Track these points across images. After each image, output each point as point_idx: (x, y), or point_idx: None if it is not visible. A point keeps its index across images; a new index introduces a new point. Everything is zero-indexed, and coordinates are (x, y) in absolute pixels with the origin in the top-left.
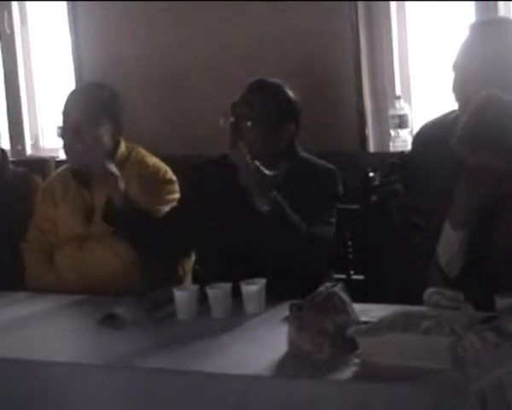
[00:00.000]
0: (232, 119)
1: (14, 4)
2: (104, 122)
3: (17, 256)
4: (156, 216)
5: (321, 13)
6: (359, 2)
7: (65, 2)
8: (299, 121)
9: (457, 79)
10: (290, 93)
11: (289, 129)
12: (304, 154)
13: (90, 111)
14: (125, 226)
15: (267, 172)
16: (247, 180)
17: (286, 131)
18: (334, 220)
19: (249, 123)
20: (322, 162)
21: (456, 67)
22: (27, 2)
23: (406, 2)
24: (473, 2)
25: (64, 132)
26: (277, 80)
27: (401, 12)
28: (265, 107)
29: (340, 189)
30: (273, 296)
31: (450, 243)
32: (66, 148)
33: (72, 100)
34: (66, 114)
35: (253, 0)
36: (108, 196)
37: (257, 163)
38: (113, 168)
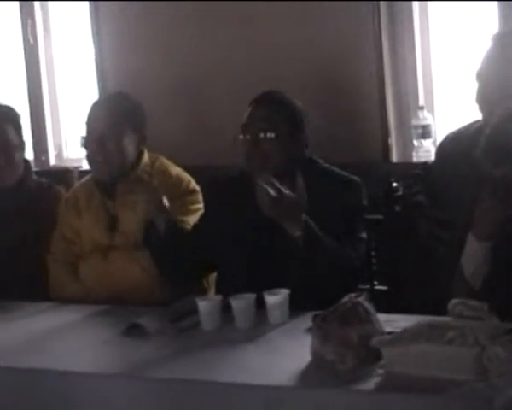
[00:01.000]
0: (245, 137)
1: (38, 13)
2: (128, 132)
3: (41, 266)
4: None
5: (343, 22)
6: (382, 15)
7: (88, 12)
8: (306, 129)
9: (481, 89)
10: (297, 102)
11: (303, 137)
12: (326, 165)
13: (113, 122)
14: (164, 251)
15: (293, 195)
16: (275, 212)
17: (301, 141)
18: (364, 235)
19: (265, 136)
20: (346, 174)
21: (479, 77)
22: (50, 12)
23: (429, 8)
24: (496, 3)
25: (87, 143)
26: (281, 91)
27: (423, 13)
28: (277, 118)
29: (366, 200)
30: (296, 307)
31: (474, 254)
32: (90, 158)
33: (96, 111)
34: (89, 124)
35: (272, 5)
36: (151, 220)
37: (283, 190)
38: (164, 200)
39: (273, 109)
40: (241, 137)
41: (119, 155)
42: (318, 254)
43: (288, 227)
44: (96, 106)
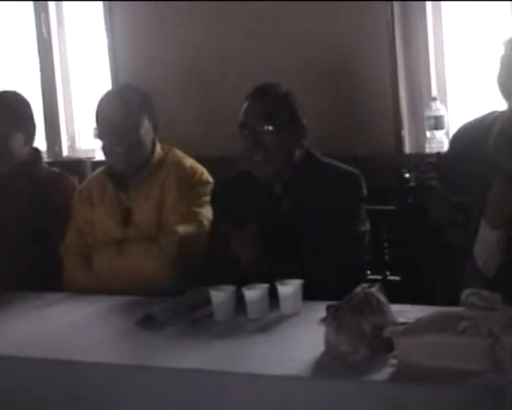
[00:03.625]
0: (243, 134)
1: (51, 6)
2: (144, 123)
3: (54, 256)
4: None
5: (356, 13)
6: (395, 2)
7: (101, 3)
8: (305, 117)
9: (502, 72)
10: (291, 93)
11: (301, 125)
12: (324, 159)
13: (130, 112)
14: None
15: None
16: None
17: (299, 128)
18: (365, 227)
19: (265, 130)
20: (344, 166)
21: (502, 61)
22: (64, 5)
23: (442, 2)
24: (509, 2)
25: (103, 134)
26: (276, 83)
27: (437, 12)
28: (275, 112)
29: (365, 192)
30: (309, 297)
31: (487, 242)
32: (107, 150)
33: (110, 101)
34: (104, 115)
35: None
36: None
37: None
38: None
39: (269, 103)
40: (240, 133)
41: (139, 146)
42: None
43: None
44: (108, 97)
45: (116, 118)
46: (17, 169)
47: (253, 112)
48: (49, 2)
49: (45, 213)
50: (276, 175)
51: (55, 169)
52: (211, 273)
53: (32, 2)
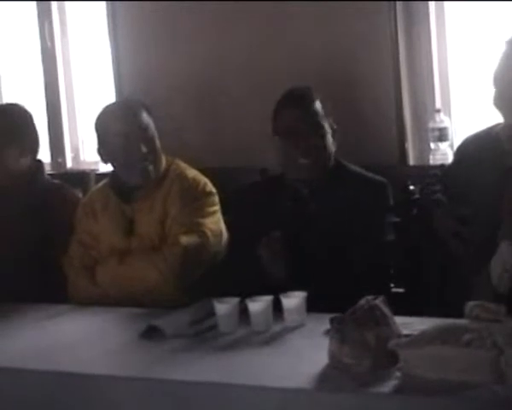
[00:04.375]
0: (280, 137)
1: (55, 16)
2: (156, 133)
3: (56, 268)
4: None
5: (359, 25)
6: (398, 8)
7: (104, 14)
8: (335, 121)
9: (497, 93)
10: (319, 96)
11: (334, 132)
12: (352, 167)
13: (147, 124)
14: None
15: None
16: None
17: (333, 135)
18: (389, 236)
19: (298, 134)
20: (371, 175)
21: (496, 82)
22: (68, 14)
23: (445, 8)
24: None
25: (120, 150)
26: (306, 87)
27: (441, 19)
28: (309, 116)
29: (391, 201)
30: (313, 309)
31: (503, 256)
32: (128, 166)
33: (120, 115)
34: (117, 130)
35: (288, 4)
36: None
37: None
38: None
39: (302, 107)
40: (278, 137)
41: (160, 156)
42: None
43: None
44: (116, 112)
45: (134, 130)
46: (16, 181)
47: (286, 116)
48: (53, 13)
49: (47, 224)
50: (307, 177)
51: (57, 181)
52: (233, 277)
53: (35, 13)
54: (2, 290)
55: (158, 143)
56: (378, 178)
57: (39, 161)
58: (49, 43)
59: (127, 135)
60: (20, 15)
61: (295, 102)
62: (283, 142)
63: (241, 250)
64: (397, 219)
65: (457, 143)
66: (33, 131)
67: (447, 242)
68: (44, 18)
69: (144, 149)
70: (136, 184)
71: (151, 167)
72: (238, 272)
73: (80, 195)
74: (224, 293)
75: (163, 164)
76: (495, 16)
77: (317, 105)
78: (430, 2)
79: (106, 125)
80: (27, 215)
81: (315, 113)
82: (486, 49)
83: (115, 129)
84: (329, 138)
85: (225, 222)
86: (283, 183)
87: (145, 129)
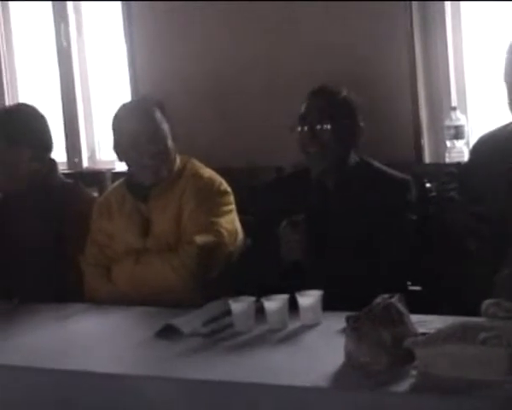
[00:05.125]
0: (301, 129)
1: (71, 16)
2: (168, 133)
3: (73, 267)
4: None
5: (374, 23)
6: (414, 8)
7: (120, 13)
8: (363, 121)
9: (510, 93)
10: (352, 94)
11: (358, 128)
12: (377, 165)
13: (158, 123)
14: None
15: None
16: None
17: (356, 131)
18: (408, 232)
19: (322, 127)
20: (395, 173)
21: (506, 80)
22: (83, 15)
23: (461, 8)
24: None
25: (130, 149)
26: (337, 84)
27: (456, 18)
28: (333, 110)
29: (413, 198)
30: (329, 307)
31: None
32: (136, 164)
33: (133, 114)
34: (129, 129)
35: (303, 4)
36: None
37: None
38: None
39: (329, 101)
40: (299, 128)
41: (168, 157)
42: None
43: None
44: (128, 110)
45: (145, 129)
46: (30, 182)
47: (313, 108)
48: (69, 13)
49: (61, 224)
50: (330, 171)
51: (70, 180)
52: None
53: (51, 13)
54: (21, 291)
55: (170, 142)
56: (402, 175)
57: (53, 161)
58: (65, 44)
59: (138, 134)
60: (36, 16)
61: (312, 95)
62: (298, 131)
63: (264, 244)
64: (414, 217)
65: (473, 141)
66: (45, 132)
67: (462, 239)
68: (60, 18)
69: (154, 148)
70: (146, 182)
71: (161, 167)
72: (260, 266)
73: (96, 194)
74: (239, 291)
75: (177, 163)
76: (511, 15)
77: (337, 101)
78: (446, 2)
79: (119, 123)
80: (42, 215)
81: (327, 106)
82: (502, 47)
83: (127, 127)
84: (344, 134)
85: (241, 221)
86: (307, 178)
87: (156, 127)
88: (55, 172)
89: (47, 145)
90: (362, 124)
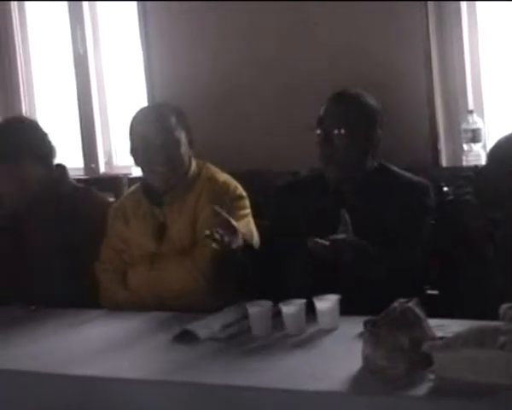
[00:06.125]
0: (319, 132)
1: (87, 24)
2: (183, 139)
3: (87, 272)
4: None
5: (391, 27)
6: (430, 16)
7: (137, 21)
8: (382, 127)
9: None
10: (372, 100)
11: (376, 135)
12: (395, 169)
13: (171, 129)
14: (239, 269)
15: (346, 238)
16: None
17: (373, 137)
18: (423, 237)
19: (338, 132)
20: (413, 176)
21: None
22: (100, 23)
23: (477, 8)
24: None
25: (143, 153)
26: (358, 90)
27: (472, 19)
28: (352, 115)
29: (432, 203)
30: (346, 312)
31: None
32: (148, 169)
33: (148, 119)
34: (143, 134)
35: (316, 5)
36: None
37: (334, 238)
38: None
39: (348, 107)
40: (318, 131)
41: (180, 163)
42: (371, 270)
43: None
44: (145, 114)
45: (156, 135)
46: (40, 191)
47: (331, 112)
48: (85, 19)
49: (75, 229)
50: (344, 176)
51: (82, 185)
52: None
53: (68, 21)
54: (38, 297)
55: (184, 148)
56: (421, 179)
57: (62, 167)
58: (81, 50)
59: (150, 139)
60: (52, 22)
61: (332, 100)
62: (316, 133)
63: (282, 247)
64: (432, 221)
65: (490, 144)
66: (42, 137)
67: (479, 244)
68: (76, 24)
69: (164, 155)
70: (157, 187)
71: (171, 173)
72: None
73: (112, 199)
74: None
75: (192, 167)
76: None
77: (354, 107)
78: (462, 2)
79: (134, 128)
80: (55, 221)
81: (344, 112)
82: None
83: (140, 133)
84: (360, 140)
85: (256, 225)
86: (324, 182)
87: (167, 134)
88: (65, 177)
89: (48, 151)
90: (380, 131)
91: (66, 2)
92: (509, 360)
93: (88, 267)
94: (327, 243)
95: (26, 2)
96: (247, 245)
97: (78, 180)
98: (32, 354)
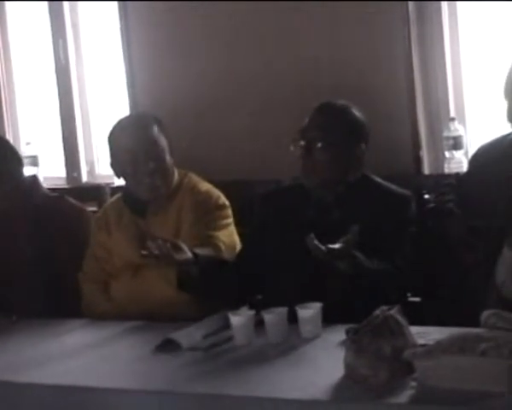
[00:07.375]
0: (302, 143)
1: (69, 33)
2: (167, 149)
3: (64, 281)
4: (225, 258)
5: (372, 35)
6: (411, 17)
7: (118, 29)
8: (367, 141)
9: (510, 107)
10: (357, 113)
11: (359, 149)
12: (378, 180)
13: (155, 139)
14: (202, 286)
15: (344, 247)
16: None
17: (356, 151)
18: (407, 249)
19: (320, 145)
20: (396, 188)
21: (507, 95)
22: (81, 31)
23: (458, 8)
24: None
25: (127, 164)
26: (344, 102)
27: (453, 20)
28: (335, 128)
29: (414, 214)
30: (328, 320)
31: (506, 263)
32: (134, 180)
33: (131, 130)
34: (126, 145)
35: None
36: (181, 268)
37: (332, 247)
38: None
39: (331, 119)
40: (301, 142)
41: (166, 172)
42: (363, 279)
43: (341, 267)
44: (126, 127)
45: (142, 145)
46: (10, 201)
47: (313, 124)
48: (67, 28)
49: (49, 238)
50: (325, 188)
51: (55, 194)
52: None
53: (49, 29)
54: (19, 307)
55: (168, 157)
56: (403, 190)
57: (34, 177)
58: (62, 59)
59: (135, 150)
60: (34, 31)
61: (314, 111)
62: (302, 146)
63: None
64: (412, 229)
65: (472, 151)
66: (4, 147)
67: (459, 251)
68: (58, 34)
69: (152, 165)
70: (144, 198)
71: (159, 182)
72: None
73: (95, 208)
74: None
75: (175, 177)
76: (509, 16)
77: (336, 118)
78: (443, 3)
79: (116, 139)
80: (29, 232)
81: (325, 123)
82: (500, 56)
83: (124, 144)
84: (341, 152)
85: (239, 234)
86: (306, 191)
87: (153, 144)
88: (37, 187)
89: (14, 163)
90: (363, 145)
91: (46, 3)
92: (491, 367)
93: (65, 276)
94: (323, 248)
95: (6, 3)
96: (205, 257)
97: (55, 189)
98: (12, 363)
